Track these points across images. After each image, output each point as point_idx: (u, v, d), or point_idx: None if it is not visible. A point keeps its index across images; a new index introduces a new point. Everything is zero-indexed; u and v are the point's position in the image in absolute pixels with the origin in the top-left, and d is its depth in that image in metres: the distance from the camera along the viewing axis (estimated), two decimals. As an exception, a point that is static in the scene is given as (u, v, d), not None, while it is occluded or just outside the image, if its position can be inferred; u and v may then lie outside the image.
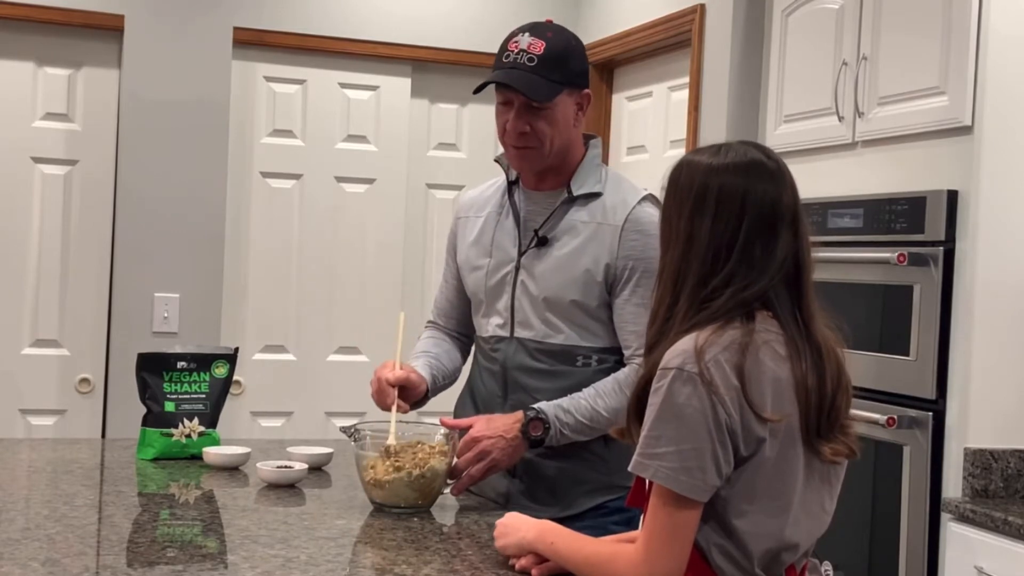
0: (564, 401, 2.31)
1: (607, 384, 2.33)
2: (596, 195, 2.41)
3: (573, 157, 2.43)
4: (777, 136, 3.62)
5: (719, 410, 1.59)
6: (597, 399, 2.30)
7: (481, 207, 2.54)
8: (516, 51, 2.35)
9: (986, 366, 2.83)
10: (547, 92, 2.33)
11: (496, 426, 2.29)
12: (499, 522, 1.89)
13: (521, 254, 2.43)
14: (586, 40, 2.55)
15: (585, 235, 2.37)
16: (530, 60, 2.33)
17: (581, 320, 2.37)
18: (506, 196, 2.50)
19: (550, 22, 2.42)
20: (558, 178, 2.43)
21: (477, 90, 2.40)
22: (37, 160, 4.51)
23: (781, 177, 1.71)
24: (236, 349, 2.86)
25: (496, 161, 2.53)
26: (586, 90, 2.41)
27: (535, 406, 2.30)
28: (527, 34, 2.36)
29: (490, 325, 2.47)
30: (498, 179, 2.55)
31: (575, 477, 2.39)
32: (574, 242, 2.38)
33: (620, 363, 2.39)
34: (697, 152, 1.76)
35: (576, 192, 2.40)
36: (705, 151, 1.75)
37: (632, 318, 2.34)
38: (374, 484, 2.22)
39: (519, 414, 2.30)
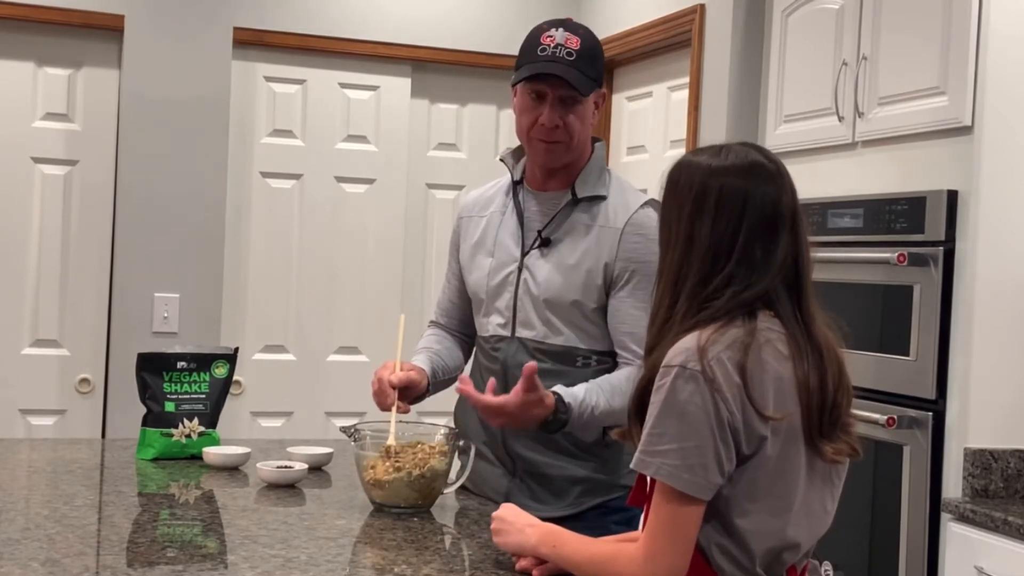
0: (589, 397, 2.27)
1: (622, 383, 2.29)
2: (600, 198, 2.41)
3: (583, 157, 2.44)
4: (777, 136, 3.62)
5: (721, 408, 1.59)
6: (614, 397, 2.28)
7: (484, 207, 2.54)
8: (553, 45, 2.36)
9: (986, 366, 2.83)
10: (588, 87, 2.36)
11: (522, 418, 2.21)
12: (496, 515, 1.89)
13: (524, 254, 2.43)
14: (586, 40, 2.64)
15: (587, 237, 2.38)
16: (569, 55, 2.35)
17: (580, 322, 2.37)
18: (510, 196, 2.50)
19: (571, 20, 2.45)
20: (564, 178, 2.43)
21: (518, 81, 2.37)
22: (37, 160, 4.50)
23: (781, 179, 1.72)
24: (236, 349, 2.86)
25: (501, 160, 2.54)
26: (603, 89, 2.45)
27: (566, 402, 2.24)
28: (560, 29, 2.38)
29: (491, 324, 2.47)
30: (501, 179, 2.56)
31: (575, 476, 2.39)
32: (576, 244, 2.38)
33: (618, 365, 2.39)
34: (696, 153, 1.76)
35: (580, 194, 2.40)
36: (704, 152, 1.75)
37: (629, 319, 2.34)
38: (374, 484, 2.22)
39: (550, 406, 2.21)
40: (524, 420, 2.22)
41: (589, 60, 2.36)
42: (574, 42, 2.36)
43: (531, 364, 2.18)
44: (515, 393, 2.17)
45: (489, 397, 2.20)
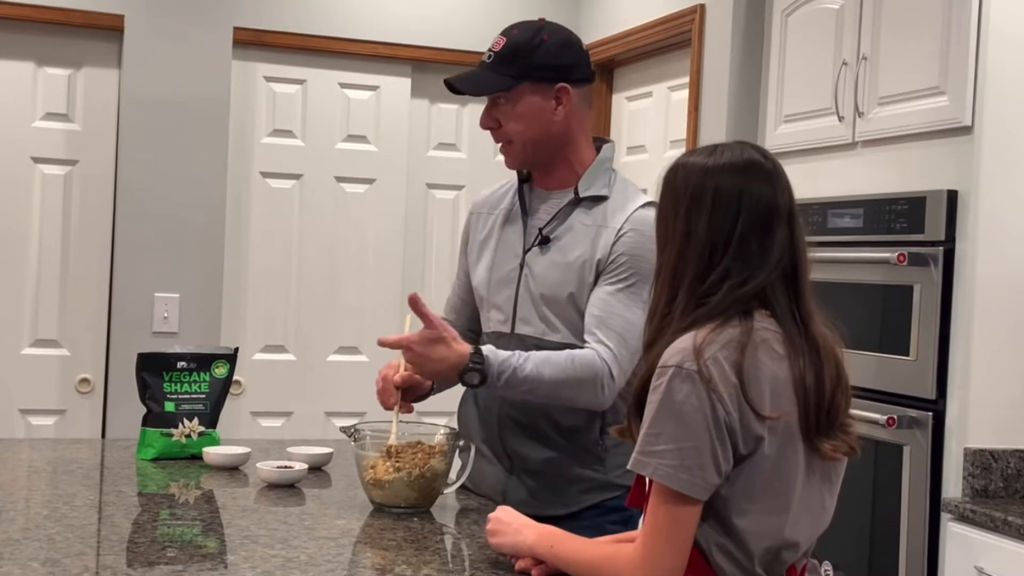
0: (515, 358, 2.23)
1: (560, 357, 2.26)
2: (602, 198, 2.41)
3: (576, 155, 2.43)
4: (777, 136, 3.62)
5: (718, 408, 1.59)
6: (544, 366, 2.24)
7: (494, 205, 2.56)
8: (486, 51, 2.42)
9: (986, 366, 2.83)
10: (490, 85, 2.37)
11: (429, 355, 2.21)
12: (492, 516, 1.89)
13: (525, 252, 2.43)
14: (586, 40, 2.57)
15: (585, 237, 2.38)
16: (489, 57, 2.40)
17: (577, 320, 2.37)
18: (516, 195, 2.51)
19: (541, 20, 2.45)
20: (568, 178, 2.44)
21: (448, 88, 2.44)
22: (37, 160, 4.51)
23: (777, 177, 1.72)
24: (236, 349, 2.86)
25: None
26: (560, 84, 2.38)
27: (483, 357, 2.21)
28: (499, 34, 2.42)
29: (492, 321, 2.48)
30: (513, 178, 2.57)
31: (572, 476, 2.39)
32: (573, 242, 2.38)
33: None
34: (692, 154, 1.77)
35: (583, 194, 2.41)
36: (700, 152, 1.76)
37: (600, 303, 2.31)
38: (374, 484, 2.23)
39: (463, 353, 2.20)
40: (432, 360, 2.20)
41: (509, 59, 2.37)
42: (498, 44, 2.39)
43: (412, 293, 2.23)
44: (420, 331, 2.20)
45: (393, 336, 2.24)
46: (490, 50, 2.40)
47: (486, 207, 2.58)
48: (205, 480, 2.52)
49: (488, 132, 2.46)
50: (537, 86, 2.38)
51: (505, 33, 2.41)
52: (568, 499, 2.39)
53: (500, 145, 2.45)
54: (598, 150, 2.46)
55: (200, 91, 4.55)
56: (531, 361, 2.24)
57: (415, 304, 2.21)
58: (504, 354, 2.24)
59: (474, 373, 2.21)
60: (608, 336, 2.28)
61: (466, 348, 2.21)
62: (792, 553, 1.69)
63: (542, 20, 2.45)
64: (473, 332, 2.64)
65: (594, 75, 2.50)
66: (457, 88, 2.40)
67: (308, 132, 4.80)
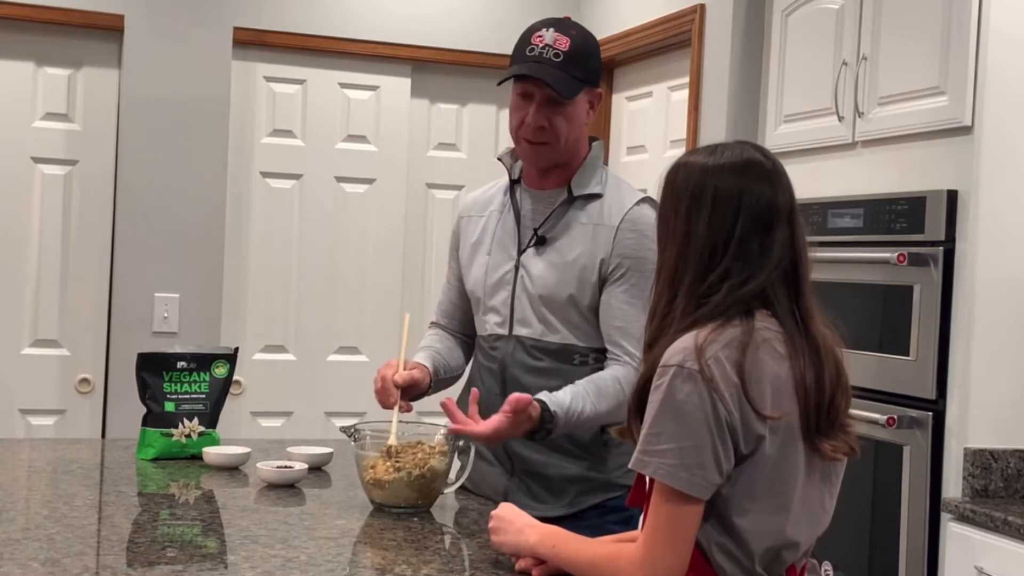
0: (576, 404, 2.25)
1: (608, 385, 2.31)
2: (596, 196, 2.41)
3: (578, 156, 2.44)
4: (777, 136, 3.62)
5: (719, 407, 1.59)
6: (600, 401, 2.28)
7: (484, 207, 2.55)
8: (542, 45, 2.35)
9: (986, 366, 2.83)
10: (573, 89, 2.35)
11: (516, 432, 2.21)
12: (494, 514, 1.89)
13: (520, 253, 2.43)
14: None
15: (582, 236, 2.38)
16: (556, 56, 2.34)
17: (576, 320, 2.38)
18: (508, 195, 2.50)
19: (568, 19, 2.44)
20: (560, 177, 2.44)
21: (503, 81, 2.39)
22: (37, 160, 4.50)
23: (777, 177, 1.72)
24: (236, 349, 2.86)
25: (499, 160, 2.54)
26: (598, 89, 2.44)
27: (551, 410, 2.22)
28: (551, 29, 2.37)
29: (489, 324, 2.48)
30: (501, 179, 2.56)
31: (574, 476, 2.40)
32: (571, 242, 2.38)
33: None
34: (693, 153, 1.77)
35: (577, 192, 2.41)
36: (701, 152, 1.76)
37: (619, 313, 2.34)
38: (374, 484, 2.23)
39: (536, 418, 2.21)
40: (513, 434, 2.22)
41: (578, 61, 2.35)
42: (563, 43, 2.35)
43: (525, 397, 2.17)
44: (504, 416, 2.17)
45: (481, 427, 2.19)
46: (551, 47, 2.34)
47: (475, 209, 2.57)
48: (205, 480, 2.52)
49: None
50: (588, 90, 2.40)
51: (563, 32, 2.37)
52: (569, 500, 2.40)
53: (537, 144, 2.38)
54: (588, 147, 2.47)
55: (200, 91, 4.55)
56: (589, 402, 2.27)
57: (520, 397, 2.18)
58: (566, 403, 2.25)
59: (544, 431, 2.24)
60: (636, 347, 2.30)
61: (537, 410, 2.22)
62: (792, 553, 1.69)
63: (568, 18, 2.45)
64: (466, 336, 2.64)
65: None
66: (548, 83, 2.31)
67: (308, 132, 4.80)
